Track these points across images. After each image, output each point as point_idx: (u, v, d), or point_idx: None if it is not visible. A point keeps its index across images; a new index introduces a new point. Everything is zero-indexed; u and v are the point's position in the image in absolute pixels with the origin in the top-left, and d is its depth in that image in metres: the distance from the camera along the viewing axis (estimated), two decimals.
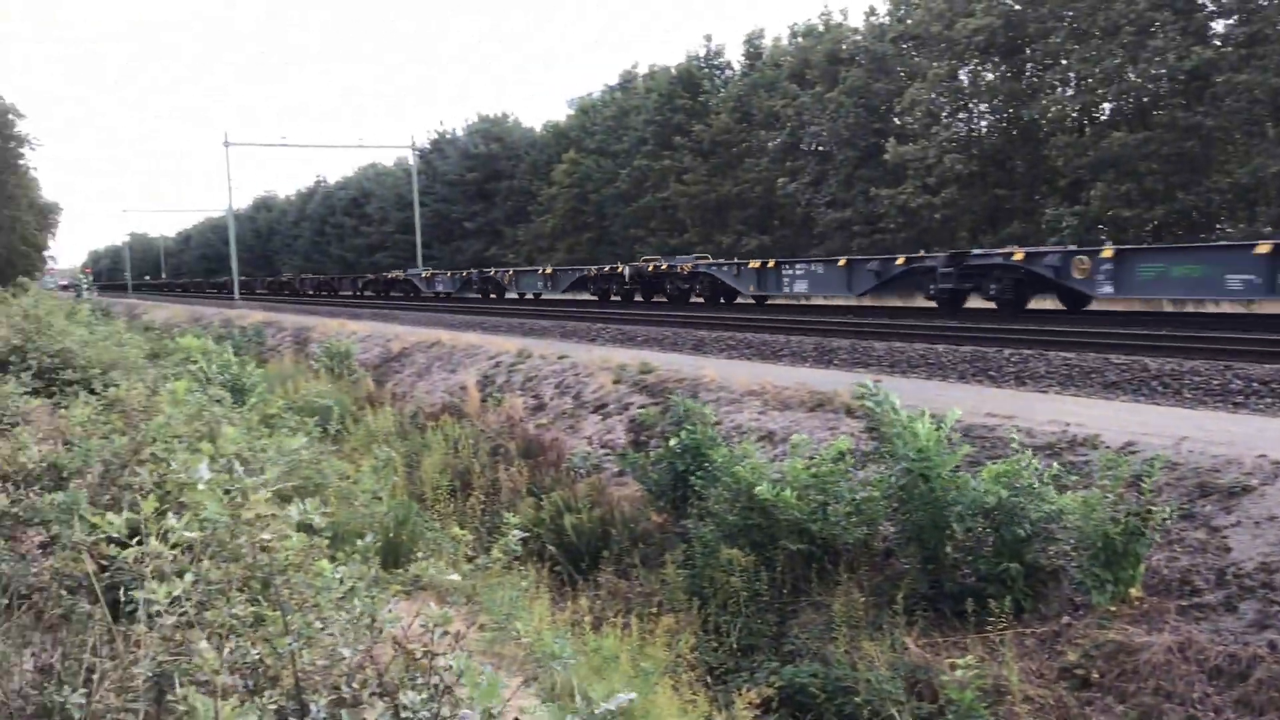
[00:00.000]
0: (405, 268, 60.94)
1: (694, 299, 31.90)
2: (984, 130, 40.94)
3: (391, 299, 54.26)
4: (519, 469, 12.54)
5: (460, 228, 73.33)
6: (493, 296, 45.81)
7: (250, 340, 27.77)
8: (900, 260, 23.86)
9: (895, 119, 42.10)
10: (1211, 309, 22.29)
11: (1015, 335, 16.19)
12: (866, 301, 26.92)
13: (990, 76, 39.38)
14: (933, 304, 23.23)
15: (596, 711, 3.00)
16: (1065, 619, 6.84)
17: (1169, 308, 22.50)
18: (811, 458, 8.57)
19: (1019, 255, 20.57)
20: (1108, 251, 18.59)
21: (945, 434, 7.72)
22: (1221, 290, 17.10)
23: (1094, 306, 21.63)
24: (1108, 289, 18.51)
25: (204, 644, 2.51)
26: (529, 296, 42.99)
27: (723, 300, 31.02)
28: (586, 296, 38.87)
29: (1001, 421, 9.54)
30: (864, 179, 41.96)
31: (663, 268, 33.31)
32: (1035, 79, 38.04)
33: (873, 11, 45.05)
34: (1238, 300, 18.79)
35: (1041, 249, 21.75)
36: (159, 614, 2.82)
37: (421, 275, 53.46)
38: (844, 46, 44.67)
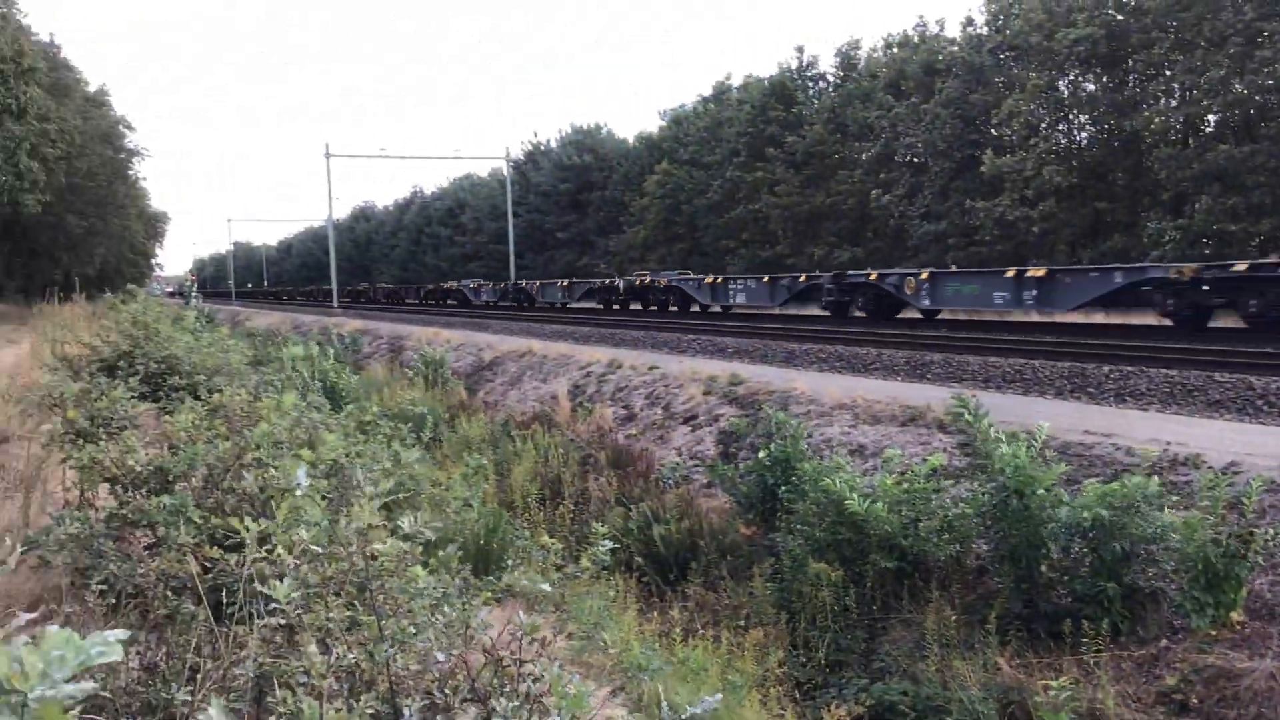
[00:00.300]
0: (459, 280, 64.58)
1: (671, 307, 38.11)
2: (1084, 142, 40.12)
3: (446, 306, 58.64)
4: (608, 479, 12.60)
5: (553, 238, 73.97)
6: (525, 305, 49.47)
7: (347, 348, 28.30)
8: (803, 278, 30.91)
9: (992, 130, 41.44)
10: None
11: (1116, 351, 15.83)
12: (790, 310, 32.72)
13: (1091, 87, 38.59)
14: (918, 316, 26.87)
15: (684, 716, 3.01)
16: (1164, 642, 6.67)
17: None
18: (903, 473, 8.48)
19: (873, 276, 27.33)
20: (924, 275, 25.48)
21: (1038, 450, 7.58)
22: (991, 303, 23.46)
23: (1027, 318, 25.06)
24: (926, 302, 25.26)
25: (312, 648, 2.57)
26: (556, 305, 47.17)
27: (694, 309, 37.12)
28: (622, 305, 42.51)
29: (1100, 439, 9.34)
30: (959, 191, 41.37)
31: (647, 281, 39.41)
32: (1138, 90, 37.18)
33: (970, 22, 44.43)
34: (1001, 311, 24.26)
35: (887, 271, 28.58)
36: (262, 615, 2.90)
37: (470, 286, 57.31)
38: (940, 57, 44.13)
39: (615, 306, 41.92)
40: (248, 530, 3.15)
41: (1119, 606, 6.90)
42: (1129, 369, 13.79)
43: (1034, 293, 21.85)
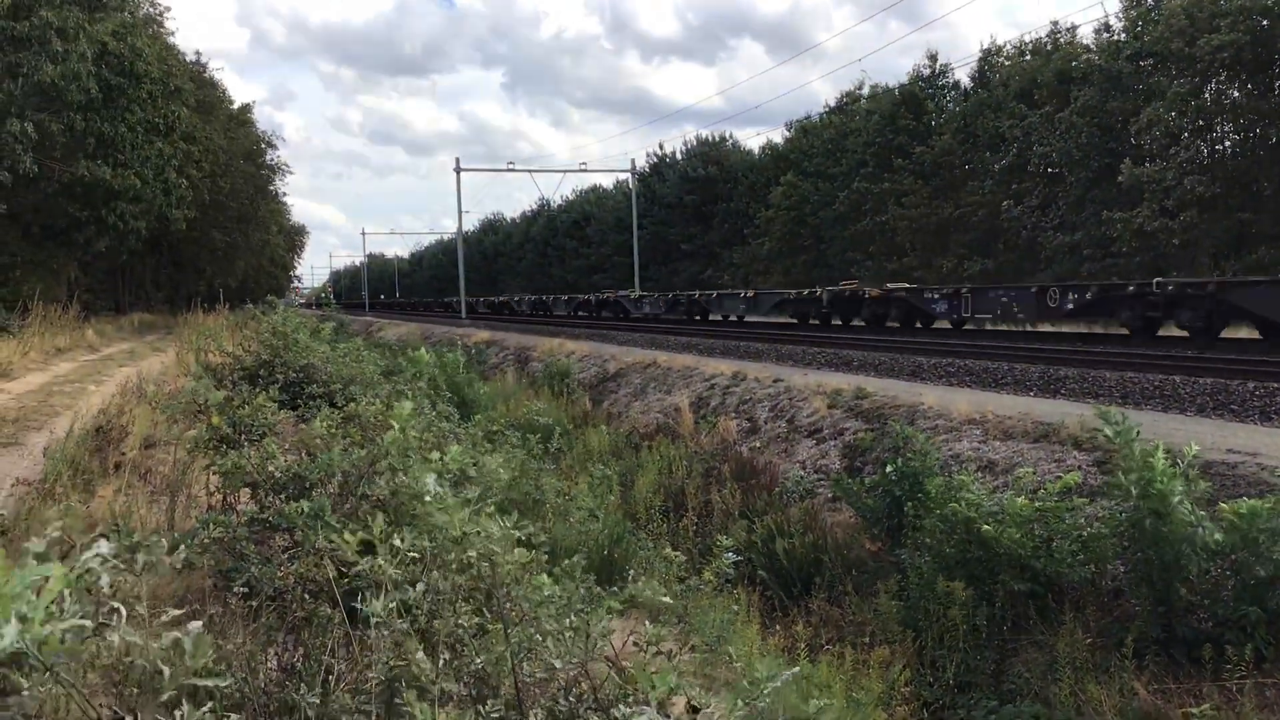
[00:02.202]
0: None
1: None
2: (1228, 151, 38.60)
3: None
4: (731, 491, 12.56)
5: (677, 250, 74.15)
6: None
7: (473, 358, 28.82)
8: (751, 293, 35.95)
9: (1131, 139, 40.16)
10: None
11: (1263, 368, 15.20)
12: (773, 319, 37.05)
13: (1236, 95, 37.13)
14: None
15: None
16: None
17: None
18: (1035, 491, 8.27)
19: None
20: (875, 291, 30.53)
21: (1183, 470, 7.32)
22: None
23: None
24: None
25: (420, 654, 2.63)
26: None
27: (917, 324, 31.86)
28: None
29: (1244, 458, 8.97)
30: (1096, 201, 40.17)
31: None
32: None
33: (1106, 28, 43.12)
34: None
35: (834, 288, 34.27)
36: (390, 620, 2.98)
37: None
38: (1075, 65, 42.95)
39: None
40: (357, 536, 3.23)
41: (1263, 632, 6.61)
42: (1275, 385, 13.22)
43: None
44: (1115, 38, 42.26)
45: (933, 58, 54.18)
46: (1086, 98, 40.67)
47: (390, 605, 2.91)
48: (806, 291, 36.75)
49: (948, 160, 48.96)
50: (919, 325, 31.25)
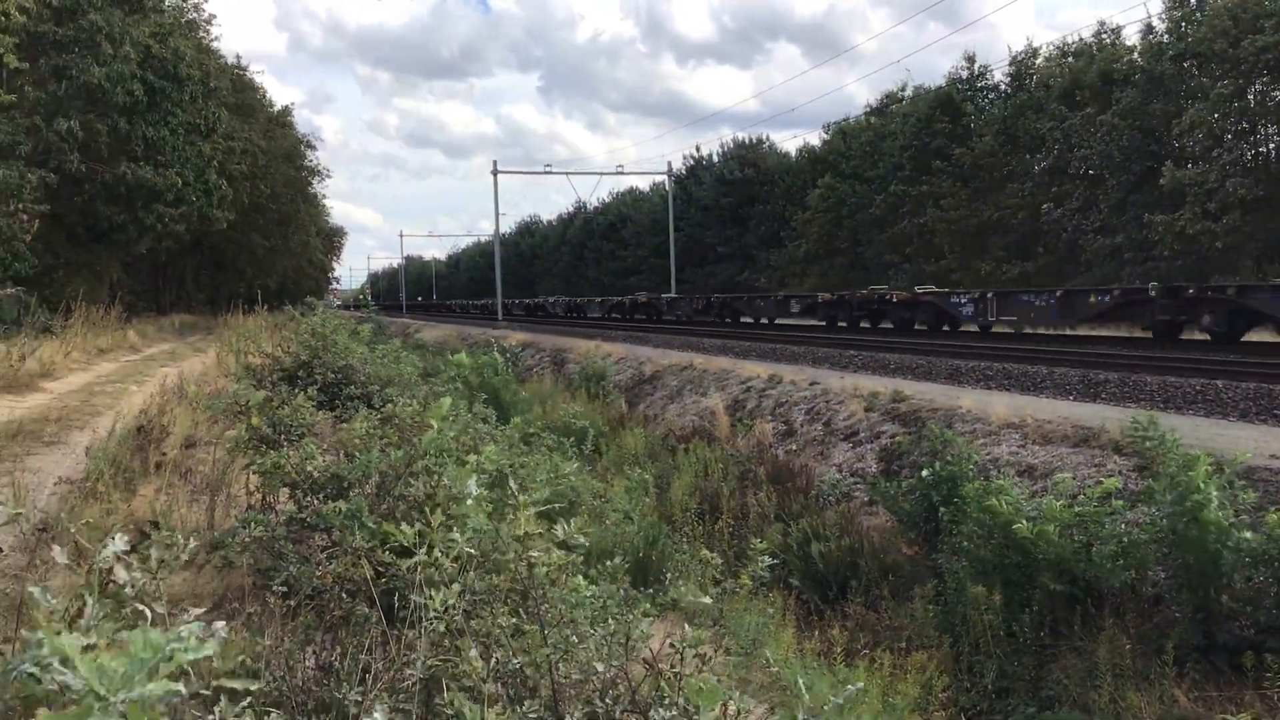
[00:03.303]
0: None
1: (917, 326, 32.64)
2: (1272, 153, 38.07)
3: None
4: (767, 494, 12.54)
5: (713, 252, 74.02)
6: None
7: (510, 361, 28.88)
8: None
9: (1174, 141, 39.67)
10: None
11: None
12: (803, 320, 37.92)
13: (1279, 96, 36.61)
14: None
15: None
16: None
17: None
18: (1074, 495, 8.20)
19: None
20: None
21: (1228, 477, 7.23)
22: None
23: None
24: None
25: (473, 652, 2.64)
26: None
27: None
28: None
29: None
30: (1137, 204, 39.72)
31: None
32: None
33: (1149, 29, 42.62)
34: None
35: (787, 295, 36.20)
36: (430, 619, 2.99)
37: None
38: (1118, 66, 42.49)
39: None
40: (406, 536, 3.25)
41: None
42: None
43: None
44: (1158, 39, 41.77)
45: (970, 59, 53.75)
46: (1128, 99, 40.24)
47: (449, 600, 2.92)
48: (837, 295, 37.13)
49: (987, 162, 48.54)
50: (946, 328, 31.17)
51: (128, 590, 2.31)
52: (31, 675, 1.70)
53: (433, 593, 2.94)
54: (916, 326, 32.39)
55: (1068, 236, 43.61)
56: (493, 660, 2.80)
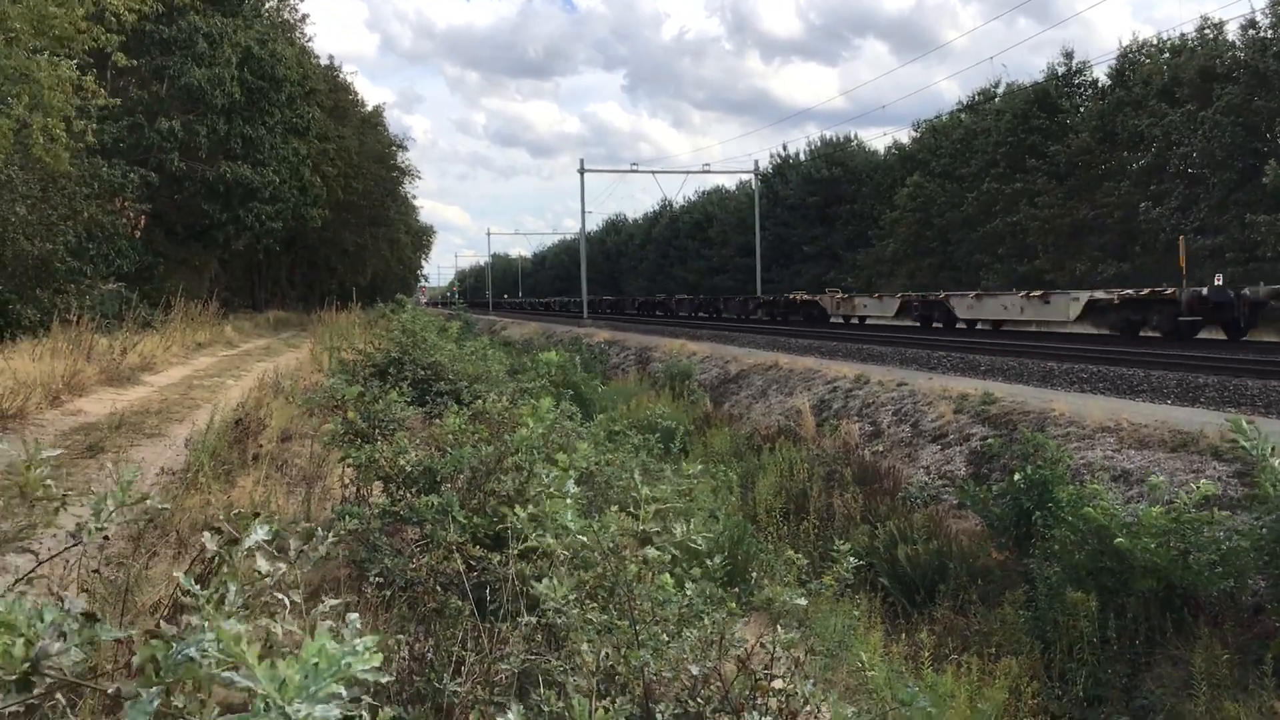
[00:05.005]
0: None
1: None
2: None
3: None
4: (853, 496, 12.44)
5: (799, 251, 73.56)
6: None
7: (595, 358, 29.02)
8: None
9: (1277, 139, 38.44)
10: None
11: None
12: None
13: None
14: None
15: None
16: None
17: None
18: (1170, 501, 8.01)
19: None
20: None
21: None
22: None
23: None
24: None
25: (585, 646, 2.67)
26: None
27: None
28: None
29: None
30: (1239, 204, 38.58)
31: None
32: None
33: (1252, 24, 41.30)
34: None
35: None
36: (522, 614, 3.03)
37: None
38: (1219, 62, 41.28)
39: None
40: (527, 510, 3.29)
41: None
42: None
43: None
44: (1261, 34, 40.51)
45: (1068, 55, 52.60)
46: (1230, 96, 39.10)
47: (566, 594, 2.95)
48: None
49: (1084, 160, 47.48)
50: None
51: (268, 580, 2.38)
52: (191, 660, 1.74)
53: (543, 584, 2.97)
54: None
55: (1166, 236, 42.49)
56: (601, 654, 2.82)
